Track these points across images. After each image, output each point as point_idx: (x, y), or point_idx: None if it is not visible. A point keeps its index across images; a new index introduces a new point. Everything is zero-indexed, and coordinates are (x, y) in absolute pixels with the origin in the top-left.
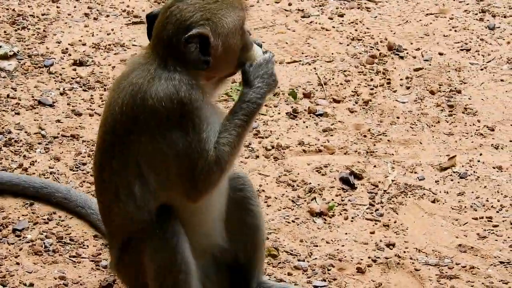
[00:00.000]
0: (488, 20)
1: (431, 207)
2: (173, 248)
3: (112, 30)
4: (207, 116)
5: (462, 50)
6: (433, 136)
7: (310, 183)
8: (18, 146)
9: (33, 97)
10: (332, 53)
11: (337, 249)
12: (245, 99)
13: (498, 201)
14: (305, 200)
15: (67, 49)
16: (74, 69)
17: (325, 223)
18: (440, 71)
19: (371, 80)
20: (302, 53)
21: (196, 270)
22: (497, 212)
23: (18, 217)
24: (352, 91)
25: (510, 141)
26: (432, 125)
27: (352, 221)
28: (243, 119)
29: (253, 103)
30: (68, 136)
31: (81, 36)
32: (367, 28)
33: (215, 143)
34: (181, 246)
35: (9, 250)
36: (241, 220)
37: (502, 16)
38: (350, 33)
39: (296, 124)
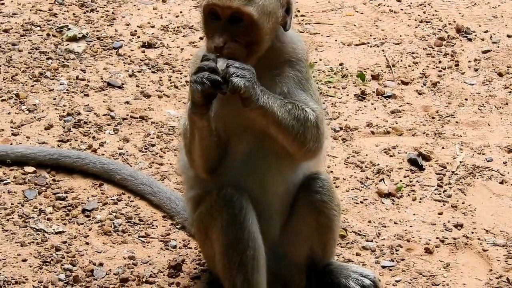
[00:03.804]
0: None
1: (499, 188)
2: (241, 223)
3: (181, 12)
4: None
5: None
6: (501, 118)
7: (378, 164)
8: (87, 128)
9: (102, 78)
10: (400, 35)
11: (405, 230)
12: None
13: None
14: (373, 181)
15: (135, 31)
16: (143, 51)
17: (393, 204)
18: (509, 53)
19: (439, 62)
20: (371, 35)
21: (263, 246)
22: None
23: (88, 198)
24: (420, 73)
25: None
26: (500, 107)
27: (420, 202)
28: None
29: None
30: (137, 118)
31: (150, 19)
32: (435, 11)
33: None
34: (249, 221)
35: (79, 230)
36: (315, 220)
37: None
38: (418, 15)
39: (365, 106)
